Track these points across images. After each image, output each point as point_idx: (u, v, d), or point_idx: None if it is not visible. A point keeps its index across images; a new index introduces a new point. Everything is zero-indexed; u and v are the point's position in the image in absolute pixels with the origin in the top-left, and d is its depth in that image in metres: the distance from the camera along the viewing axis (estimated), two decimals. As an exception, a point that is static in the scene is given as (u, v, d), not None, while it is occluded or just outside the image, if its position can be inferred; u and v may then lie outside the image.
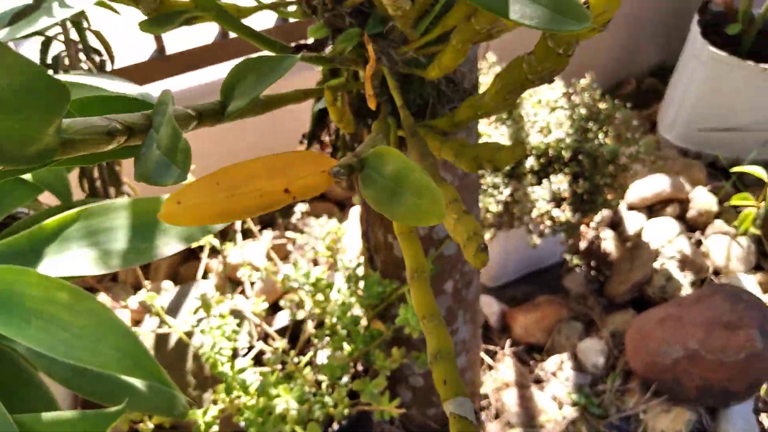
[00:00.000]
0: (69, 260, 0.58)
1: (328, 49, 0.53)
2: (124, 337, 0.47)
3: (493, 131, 1.12)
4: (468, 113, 0.47)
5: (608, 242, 1.35)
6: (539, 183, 1.11)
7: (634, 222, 1.38)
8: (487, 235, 1.11)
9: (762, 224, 1.31)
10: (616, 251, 1.33)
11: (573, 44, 0.35)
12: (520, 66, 0.39)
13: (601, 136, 1.15)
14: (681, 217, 1.39)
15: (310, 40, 0.55)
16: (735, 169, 1.26)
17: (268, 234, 1.42)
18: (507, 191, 1.10)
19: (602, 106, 1.18)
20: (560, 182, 1.09)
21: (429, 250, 0.74)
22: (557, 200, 1.11)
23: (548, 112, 1.15)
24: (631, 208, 1.42)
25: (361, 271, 0.83)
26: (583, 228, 1.41)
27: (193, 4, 0.41)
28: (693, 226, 1.39)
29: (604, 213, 1.41)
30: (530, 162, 1.11)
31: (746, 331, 0.96)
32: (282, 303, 1.02)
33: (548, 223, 1.08)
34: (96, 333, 0.46)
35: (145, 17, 0.41)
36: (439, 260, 0.76)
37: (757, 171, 1.15)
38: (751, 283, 1.24)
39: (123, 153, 0.39)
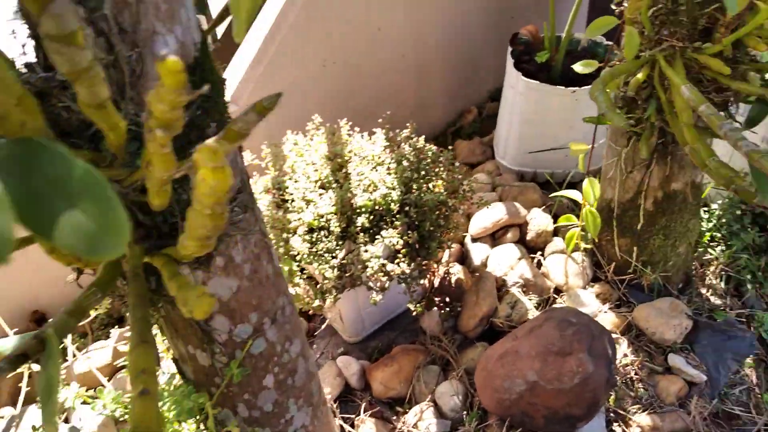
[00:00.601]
0: None
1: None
2: None
3: (317, 198, 1.12)
4: (185, 252, 0.45)
5: (458, 276, 1.38)
6: (372, 240, 1.12)
7: (479, 253, 1.42)
8: (329, 301, 1.10)
9: (593, 238, 1.39)
10: (466, 284, 1.36)
11: (224, 213, 0.34)
12: (199, 218, 0.38)
13: (430, 182, 1.18)
14: (521, 241, 1.46)
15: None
16: (554, 194, 1.34)
17: (116, 332, 1.34)
18: (341, 254, 1.09)
19: (427, 153, 1.21)
20: (392, 236, 1.10)
21: (234, 353, 0.71)
22: (393, 254, 1.12)
23: (371, 169, 1.16)
24: (475, 239, 1.46)
25: (178, 380, 0.79)
26: (435, 265, 1.44)
27: None
28: (534, 247, 1.46)
29: (453, 248, 1.45)
30: (361, 221, 1.11)
31: (576, 356, 1.01)
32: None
33: (384, 279, 1.09)
34: None
35: None
36: (249, 360, 0.73)
37: (572, 194, 1.23)
38: (589, 296, 1.32)
39: None
